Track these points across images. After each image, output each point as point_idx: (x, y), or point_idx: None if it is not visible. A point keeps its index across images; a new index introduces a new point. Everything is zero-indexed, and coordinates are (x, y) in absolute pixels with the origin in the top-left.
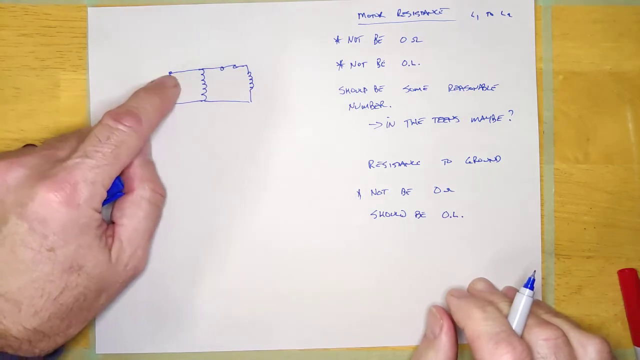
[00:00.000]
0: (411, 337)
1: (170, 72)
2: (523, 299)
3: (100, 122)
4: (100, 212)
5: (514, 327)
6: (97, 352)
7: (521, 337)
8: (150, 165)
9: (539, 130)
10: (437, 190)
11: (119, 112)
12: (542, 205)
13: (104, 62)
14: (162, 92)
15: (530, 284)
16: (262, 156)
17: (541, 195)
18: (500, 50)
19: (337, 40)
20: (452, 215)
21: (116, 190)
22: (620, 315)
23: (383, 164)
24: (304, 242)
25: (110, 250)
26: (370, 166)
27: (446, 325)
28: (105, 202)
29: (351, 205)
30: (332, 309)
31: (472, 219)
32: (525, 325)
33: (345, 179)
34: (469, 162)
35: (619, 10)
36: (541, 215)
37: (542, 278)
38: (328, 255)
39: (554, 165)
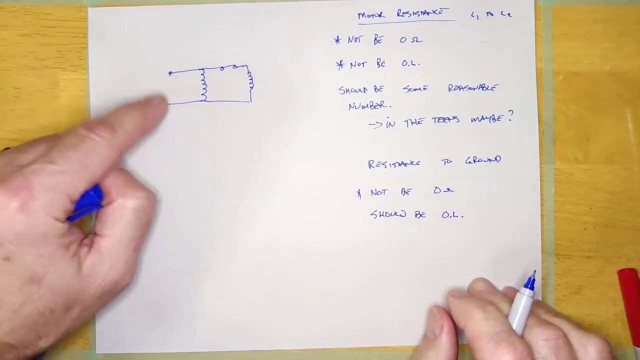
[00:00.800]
0: (411, 337)
1: (170, 72)
2: (523, 299)
3: (71, 129)
4: (64, 222)
5: (514, 327)
6: (97, 352)
7: (521, 337)
8: (127, 172)
9: (539, 130)
10: (437, 190)
11: (93, 122)
12: (542, 205)
13: (104, 62)
14: (146, 107)
15: (530, 284)
16: (262, 156)
17: (541, 195)
18: (500, 50)
19: (337, 40)
20: (452, 215)
21: (91, 202)
22: (620, 315)
23: (383, 164)
24: (304, 241)
25: (81, 261)
26: (370, 166)
27: (446, 326)
28: (78, 215)
29: (351, 205)
30: (332, 309)
31: (472, 219)
32: (525, 325)
33: (345, 179)
34: (469, 162)
35: (619, 10)
36: (541, 215)
37: (542, 278)
38: (328, 255)
39: (554, 165)
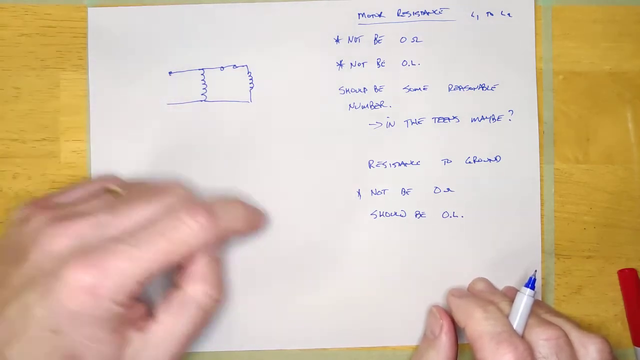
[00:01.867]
0: (411, 337)
1: (170, 72)
2: (524, 299)
3: (173, 208)
4: (123, 306)
5: (515, 326)
6: None
7: (522, 337)
8: (216, 264)
9: (539, 130)
10: (437, 190)
11: (196, 206)
12: (542, 205)
13: (104, 62)
14: (255, 211)
15: (531, 284)
16: (261, 156)
17: (541, 195)
18: (500, 50)
19: (337, 40)
20: (452, 215)
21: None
22: (620, 315)
23: (383, 164)
24: (304, 241)
25: (126, 344)
26: (370, 166)
27: (446, 326)
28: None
29: (351, 205)
30: (332, 309)
31: (472, 219)
32: (526, 325)
33: (345, 179)
34: (469, 162)
35: (619, 10)
36: (541, 215)
37: (542, 278)
38: (328, 255)
39: (554, 165)
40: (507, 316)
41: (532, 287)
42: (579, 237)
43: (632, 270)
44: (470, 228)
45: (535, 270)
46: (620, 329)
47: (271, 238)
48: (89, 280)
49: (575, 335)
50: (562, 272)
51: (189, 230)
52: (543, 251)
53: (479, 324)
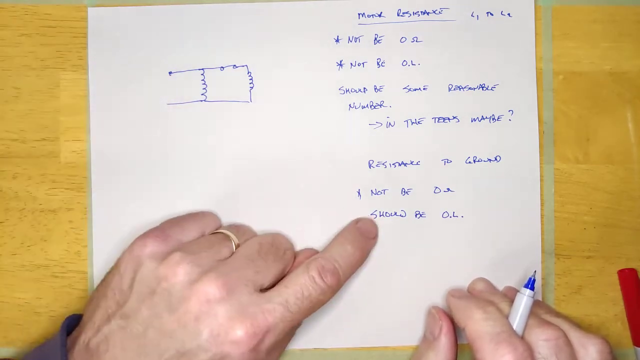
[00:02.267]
0: (411, 337)
1: (170, 72)
2: (524, 299)
3: (305, 266)
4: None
5: (514, 327)
6: None
7: (522, 338)
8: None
9: (539, 130)
10: (437, 190)
11: (326, 267)
12: (542, 205)
13: (104, 62)
14: (365, 246)
15: (530, 284)
16: (262, 156)
17: (541, 195)
18: (500, 50)
19: (337, 40)
20: (452, 215)
21: None
22: (620, 315)
23: (383, 164)
24: (304, 242)
25: None
26: (370, 166)
27: (445, 327)
28: None
29: (351, 205)
30: (332, 309)
31: (472, 219)
32: (526, 326)
33: (345, 179)
34: (469, 162)
35: (619, 10)
36: (541, 215)
37: (542, 278)
38: None
39: (554, 165)
40: (506, 317)
41: (532, 288)
42: (579, 237)
43: (632, 270)
44: (470, 228)
45: (535, 271)
46: (620, 329)
47: None
48: (256, 340)
49: (575, 335)
50: (562, 272)
51: (322, 291)
52: (543, 251)
53: (478, 324)
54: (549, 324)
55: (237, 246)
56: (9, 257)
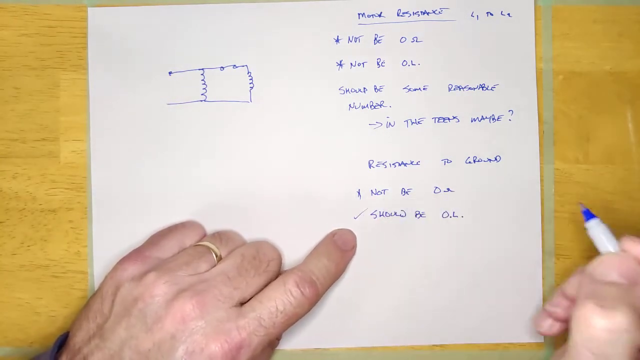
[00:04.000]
0: (411, 337)
1: (170, 72)
2: (600, 227)
3: (282, 279)
4: None
5: (611, 249)
6: None
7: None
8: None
9: (539, 130)
10: (437, 190)
11: (304, 279)
12: (542, 205)
13: (104, 62)
14: (342, 259)
15: (589, 214)
16: (262, 156)
17: (541, 195)
18: (500, 50)
19: (337, 40)
20: (452, 215)
21: None
22: None
23: (383, 164)
24: (303, 242)
25: None
26: (370, 166)
27: None
28: None
29: (351, 205)
30: (332, 309)
31: (472, 219)
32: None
33: (345, 179)
34: (469, 162)
35: (619, 10)
36: (541, 215)
37: (542, 278)
38: None
39: (554, 165)
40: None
41: (592, 215)
42: (579, 237)
43: None
44: (470, 228)
45: (581, 203)
46: None
47: (271, 238)
48: (229, 359)
49: None
50: (562, 272)
51: (299, 304)
52: (543, 251)
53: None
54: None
55: (220, 258)
56: (9, 257)
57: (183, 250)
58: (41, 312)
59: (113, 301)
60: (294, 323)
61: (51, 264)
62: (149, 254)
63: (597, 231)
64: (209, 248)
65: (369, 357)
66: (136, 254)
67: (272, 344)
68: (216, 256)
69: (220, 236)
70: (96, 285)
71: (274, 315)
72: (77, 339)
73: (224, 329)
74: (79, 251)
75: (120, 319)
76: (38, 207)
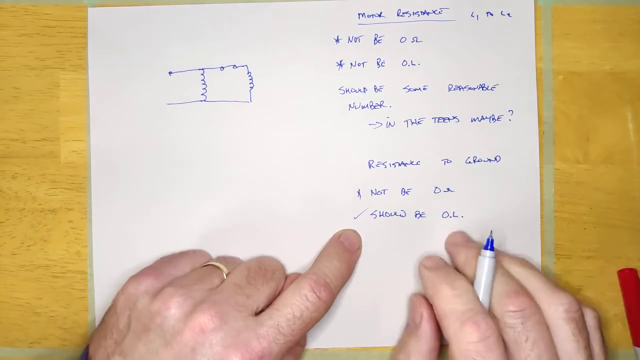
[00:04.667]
0: None
1: (170, 72)
2: (486, 262)
3: (297, 285)
4: None
5: (480, 293)
6: None
7: (489, 308)
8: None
9: (539, 130)
10: (437, 190)
11: (319, 282)
12: (542, 205)
13: (104, 62)
14: (350, 259)
15: (489, 245)
16: (262, 156)
17: (541, 195)
18: (500, 50)
19: (337, 40)
20: (452, 215)
21: None
22: (620, 315)
23: (383, 164)
24: (303, 242)
25: None
26: (370, 166)
27: (426, 314)
28: None
29: (351, 205)
30: (332, 309)
31: (472, 219)
32: (492, 287)
33: (345, 179)
34: (469, 162)
35: (619, 10)
36: (541, 215)
37: None
38: None
39: (554, 165)
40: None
41: (491, 249)
42: (579, 237)
43: (632, 270)
44: (470, 228)
45: (491, 231)
46: (620, 329)
47: (271, 237)
48: None
49: (542, 295)
50: (562, 272)
51: (315, 308)
52: (543, 251)
53: (445, 301)
54: (516, 292)
55: (228, 274)
56: (9, 257)
57: (193, 270)
58: (41, 312)
59: (129, 316)
60: (311, 328)
61: (51, 264)
62: (163, 271)
63: (484, 263)
64: (217, 266)
65: (369, 357)
66: (150, 270)
67: (293, 351)
68: (225, 273)
69: (225, 258)
70: (96, 285)
71: (291, 322)
72: (97, 357)
73: (244, 339)
74: (79, 251)
75: (139, 335)
76: (38, 207)
